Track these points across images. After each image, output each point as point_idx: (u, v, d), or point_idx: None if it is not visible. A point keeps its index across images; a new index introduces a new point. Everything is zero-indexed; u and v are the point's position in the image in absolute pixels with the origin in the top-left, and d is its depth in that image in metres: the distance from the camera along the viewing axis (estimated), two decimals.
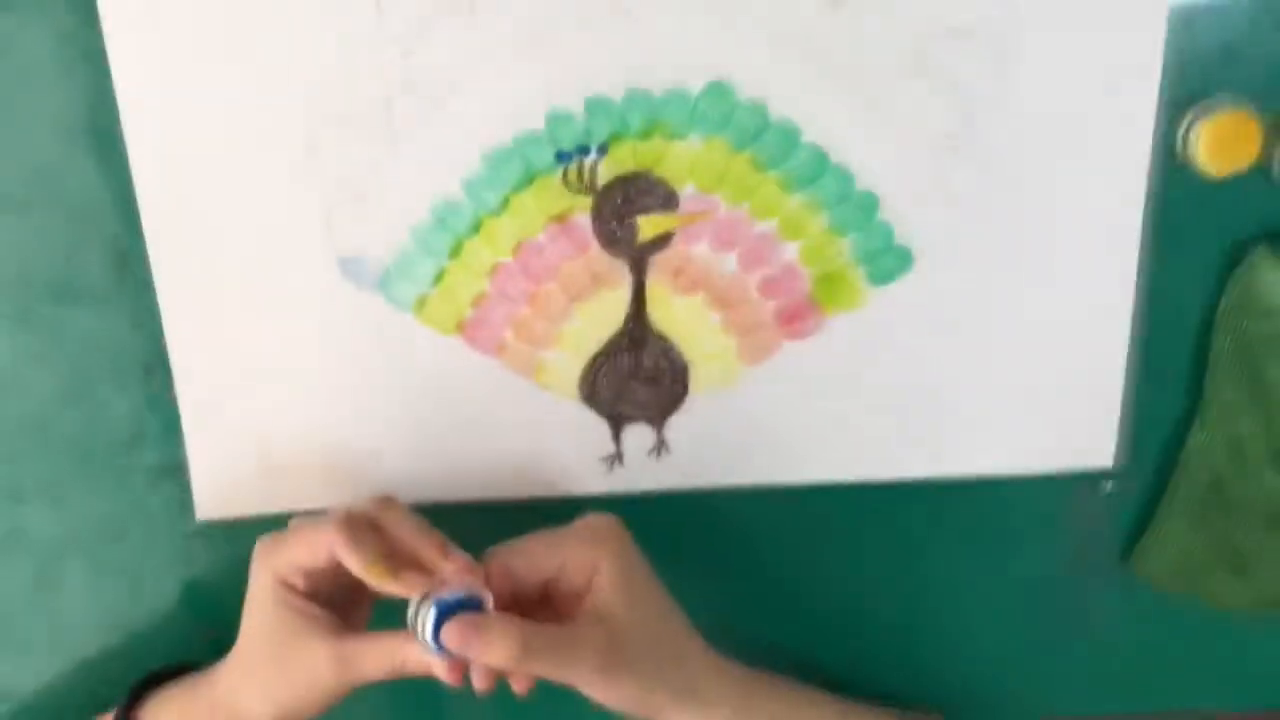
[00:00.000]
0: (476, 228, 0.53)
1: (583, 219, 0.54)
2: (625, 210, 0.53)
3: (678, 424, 0.57)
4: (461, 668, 0.48)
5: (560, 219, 0.54)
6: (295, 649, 0.50)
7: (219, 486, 0.57)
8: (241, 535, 0.54)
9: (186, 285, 0.54)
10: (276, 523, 0.53)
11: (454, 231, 0.53)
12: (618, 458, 0.58)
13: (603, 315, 0.55)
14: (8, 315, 0.54)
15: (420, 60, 0.51)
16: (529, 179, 0.53)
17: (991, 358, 0.56)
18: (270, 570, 0.51)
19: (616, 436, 0.57)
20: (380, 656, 0.50)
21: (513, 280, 0.54)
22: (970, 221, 0.54)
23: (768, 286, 0.55)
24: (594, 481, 0.58)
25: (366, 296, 0.54)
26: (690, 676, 0.52)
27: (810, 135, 0.53)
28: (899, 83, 0.52)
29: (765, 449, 0.58)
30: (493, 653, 0.47)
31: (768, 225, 0.54)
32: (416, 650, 0.48)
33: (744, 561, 0.60)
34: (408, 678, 0.49)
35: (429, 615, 0.47)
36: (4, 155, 0.52)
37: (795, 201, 0.54)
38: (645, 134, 0.52)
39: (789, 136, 0.53)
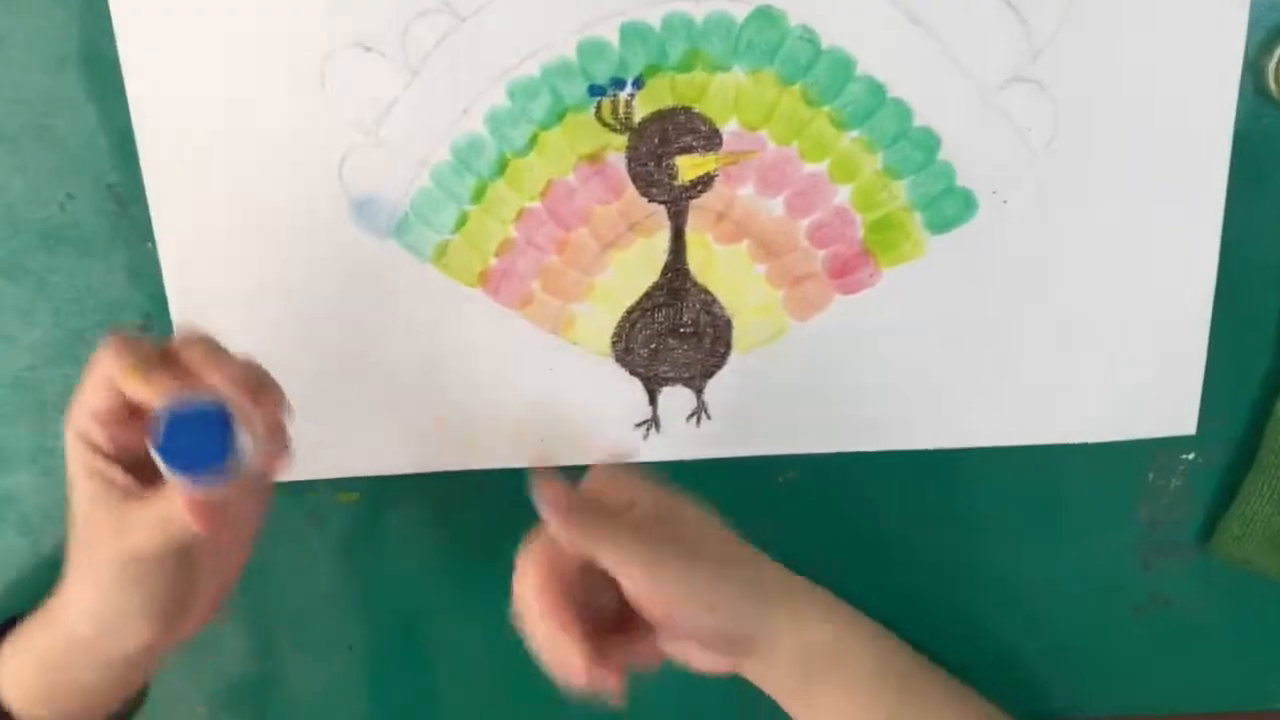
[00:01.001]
0: (501, 168, 0.50)
1: (617, 159, 0.50)
2: (664, 150, 0.50)
3: (719, 386, 0.53)
4: (206, 511, 0.40)
5: (593, 159, 0.50)
6: (88, 525, 0.42)
7: None
8: None
9: (188, 232, 0.50)
10: (282, 493, 0.49)
11: (476, 172, 0.50)
12: (654, 423, 0.53)
13: (638, 265, 0.52)
14: None
15: None
16: (559, 114, 0.49)
17: (1062, 314, 0.53)
18: (71, 428, 0.43)
19: (652, 400, 0.53)
20: (151, 514, 0.41)
21: (540, 226, 0.50)
22: (1039, 163, 0.50)
23: (817, 234, 0.51)
24: (627, 449, 0.54)
25: (382, 243, 0.51)
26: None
27: (865, 66, 0.49)
28: (962, 9, 0.48)
29: (814, 414, 0.54)
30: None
31: (818, 166, 0.50)
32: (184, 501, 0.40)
33: (790, 535, 0.55)
34: (181, 542, 0.42)
35: (160, 425, 0.38)
36: None
37: (848, 140, 0.50)
38: (685, 66, 0.49)
39: (842, 68, 0.49)
